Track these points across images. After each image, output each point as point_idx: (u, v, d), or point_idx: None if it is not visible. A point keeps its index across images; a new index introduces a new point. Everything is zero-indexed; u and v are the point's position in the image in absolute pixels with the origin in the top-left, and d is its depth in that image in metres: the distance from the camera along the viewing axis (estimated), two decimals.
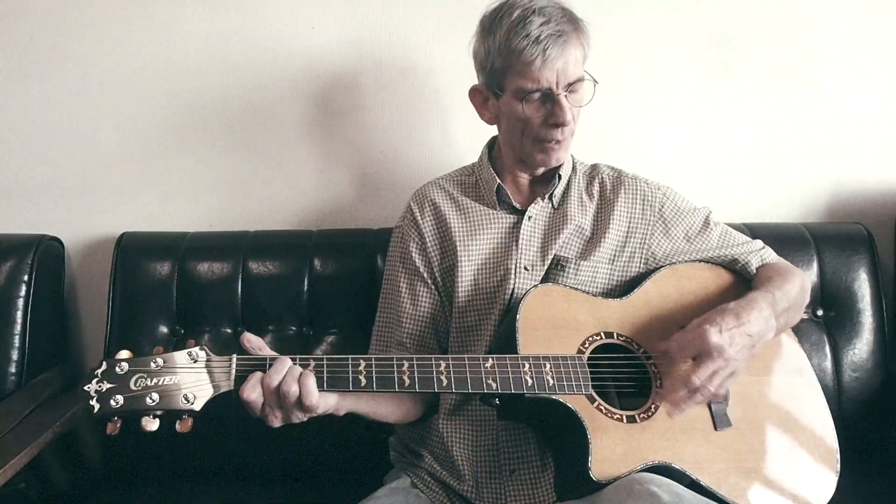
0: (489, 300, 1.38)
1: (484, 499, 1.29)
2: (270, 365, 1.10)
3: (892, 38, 1.80)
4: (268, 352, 1.14)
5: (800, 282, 1.39)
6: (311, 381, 1.09)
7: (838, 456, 1.31)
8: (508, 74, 1.32)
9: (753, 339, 1.21)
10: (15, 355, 1.67)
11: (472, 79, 1.45)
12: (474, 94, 1.45)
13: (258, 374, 1.09)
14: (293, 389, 1.08)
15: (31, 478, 1.60)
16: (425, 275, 1.43)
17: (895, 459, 1.60)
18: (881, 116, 1.83)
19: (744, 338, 1.19)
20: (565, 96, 1.31)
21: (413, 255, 1.45)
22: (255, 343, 1.15)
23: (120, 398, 1.04)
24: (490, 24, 1.33)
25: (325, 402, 1.12)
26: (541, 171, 1.44)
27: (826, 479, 1.27)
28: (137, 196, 1.86)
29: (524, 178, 1.47)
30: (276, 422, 1.11)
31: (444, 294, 1.43)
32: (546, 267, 1.39)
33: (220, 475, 1.65)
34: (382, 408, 1.30)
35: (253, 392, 1.08)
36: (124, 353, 1.09)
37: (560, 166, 1.43)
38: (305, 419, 1.12)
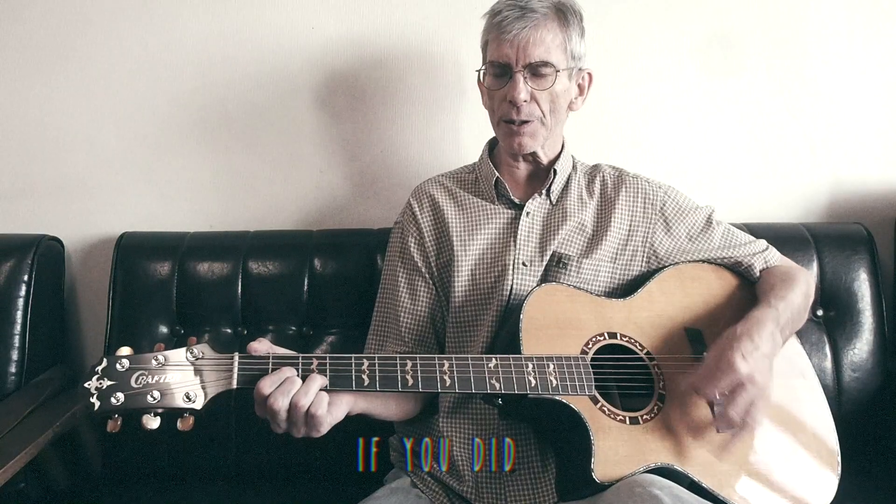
0: (486, 296, 1.37)
1: (484, 499, 1.29)
2: (274, 368, 1.09)
3: (892, 38, 1.80)
4: (277, 350, 1.12)
5: (804, 287, 1.38)
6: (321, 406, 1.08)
7: (839, 459, 1.31)
8: (486, 51, 1.40)
9: (769, 360, 1.20)
10: (15, 355, 1.67)
11: (472, 79, 1.46)
12: (479, 79, 1.47)
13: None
14: (283, 404, 1.06)
15: (31, 478, 1.61)
16: (423, 270, 1.43)
17: (895, 459, 1.60)
18: (881, 116, 1.83)
19: (763, 361, 1.17)
20: (524, 76, 1.32)
21: (412, 250, 1.45)
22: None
23: (121, 396, 1.02)
24: None
25: (331, 418, 1.11)
26: (528, 164, 1.45)
27: (827, 482, 1.27)
28: (137, 196, 1.86)
29: (519, 171, 1.47)
30: (278, 429, 1.10)
31: (441, 290, 1.43)
32: (545, 263, 1.38)
33: (220, 475, 1.65)
34: (388, 408, 1.30)
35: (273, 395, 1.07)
36: (125, 350, 1.07)
37: (555, 161, 1.44)
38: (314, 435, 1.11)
